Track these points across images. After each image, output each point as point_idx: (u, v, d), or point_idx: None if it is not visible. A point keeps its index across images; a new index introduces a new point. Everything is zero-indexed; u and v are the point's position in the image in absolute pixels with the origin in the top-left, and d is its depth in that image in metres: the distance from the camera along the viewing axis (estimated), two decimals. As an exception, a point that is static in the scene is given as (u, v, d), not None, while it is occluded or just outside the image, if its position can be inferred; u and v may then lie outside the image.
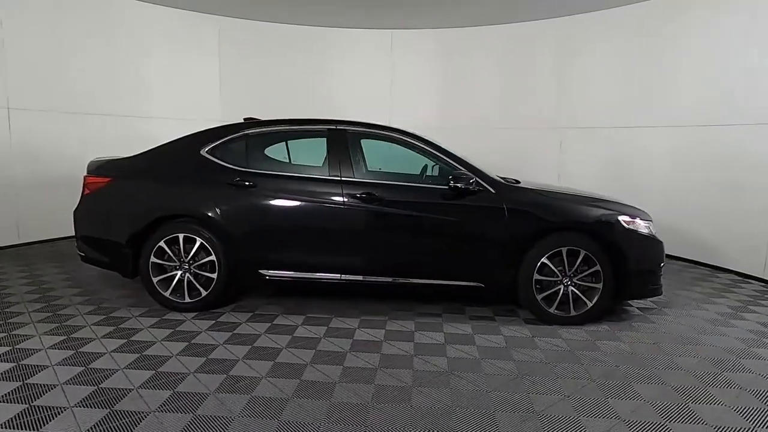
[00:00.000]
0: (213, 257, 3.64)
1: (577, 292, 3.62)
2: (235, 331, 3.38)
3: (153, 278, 3.67)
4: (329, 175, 3.71)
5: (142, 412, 2.34)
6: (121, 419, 2.28)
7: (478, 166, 3.75)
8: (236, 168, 3.74)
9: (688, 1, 5.57)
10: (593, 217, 3.62)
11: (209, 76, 7.22)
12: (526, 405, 2.50)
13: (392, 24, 7.38)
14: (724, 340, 3.43)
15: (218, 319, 3.60)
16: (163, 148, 3.87)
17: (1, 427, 2.20)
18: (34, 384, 2.58)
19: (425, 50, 7.59)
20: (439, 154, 3.78)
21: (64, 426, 2.21)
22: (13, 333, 3.24)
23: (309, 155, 4.04)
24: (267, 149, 3.96)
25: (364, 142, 3.96)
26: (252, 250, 3.68)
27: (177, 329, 3.39)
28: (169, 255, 3.67)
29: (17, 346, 3.04)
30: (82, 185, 3.84)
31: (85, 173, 3.88)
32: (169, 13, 6.73)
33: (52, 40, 5.77)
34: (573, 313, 3.63)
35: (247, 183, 3.66)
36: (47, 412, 2.32)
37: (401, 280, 3.72)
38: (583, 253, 3.56)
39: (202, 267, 3.68)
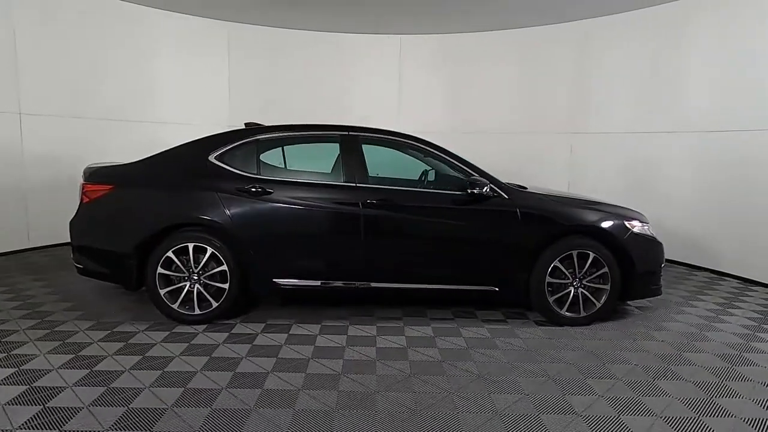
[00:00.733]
0: (225, 267, 3.52)
1: (586, 293, 3.74)
2: (254, 343, 3.28)
3: (160, 290, 3.51)
4: (344, 182, 3.67)
5: (185, 433, 2.24)
6: (164, 441, 2.18)
7: (489, 173, 3.81)
8: (248, 174, 3.63)
9: (705, 3, 5.45)
10: (601, 220, 3.75)
11: (218, 81, 7.26)
12: (568, 406, 2.56)
13: (401, 29, 7.42)
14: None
15: (231, 331, 3.48)
16: (167, 155, 3.72)
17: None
18: (57, 408, 2.41)
19: (434, 55, 7.60)
20: (451, 160, 3.82)
21: (105, 451, 2.09)
22: (13, 353, 3.03)
23: (319, 161, 3.99)
24: (279, 155, 3.88)
25: (369, 149, 3.94)
26: (267, 258, 3.59)
27: (192, 343, 3.26)
28: (178, 265, 3.52)
29: (23, 367, 2.83)
30: (79, 193, 3.63)
31: (82, 180, 3.67)
32: (180, 19, 6.76)
33: (64, 47, 5.82)
34: (583, 314, 3.75)
35: (261, 190, 3.56)
36: (82, 437, 2.18)
37: (419, 286, 3.73)
38: (592, 255, 3.69)
39: (212, 277, 3.56)
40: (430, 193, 3.82)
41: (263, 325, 3.63)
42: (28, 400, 2.48)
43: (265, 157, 3.78)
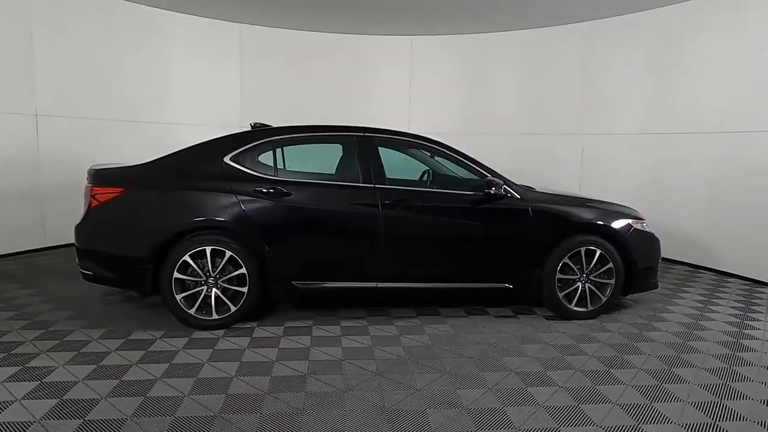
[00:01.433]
0: (243, 270, 3.46)
1: (593, 288, 3.92)
2: (280, 346, 3.25)
3: (177, 295, 3.41)
4: (362, 182, 3.68)
5: (244, 439, 2.21)
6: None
7: (500, 173, 3.93)
8: (266, 176, 3.58)
9: (716, 3, 5.41)
10: (607, 218, 3.94)
11: (230, 83, 7.29)
12: (613, 395, 2.69)
13: (411, 30, 7.43)
14: None
15: (253, 335, 3.43)
16: (179, 156, 3.61)
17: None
18: (97, 420, 2.32)
19: (444, 56, 7.63)
20: (464, 160, 3.90)
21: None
22: (29, 365, 2.87)
23: (333, 162, 3.98)
24: (294, 156, 3.84)
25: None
26: (286, 260, 3.56)
27: (216, 348, 3.19)
28: (194, 270, 3.43)
29: (45, 380, 2.70)
30: (87, 196, 3.46)
31: (88, 183, 3.51)
32: (192, 21, 6.82)
33: (79, 48, 5.87)
34: (590, 308, 3.93)
35: (280, 191, 3.52)
36: (137, 449, 2.11)
37: (436, 286, 3.79)
38: (598, 252, 3.87)
39: (229, 281, 3.48)
40: (447, 193, 3.89)
41: (282, 327, 3.60)
42: (64, 413, 2.37)
43: (280, 158, 3.73)
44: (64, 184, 5.63)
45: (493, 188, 3.71)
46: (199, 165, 3.58)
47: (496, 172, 3.88)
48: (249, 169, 3.59)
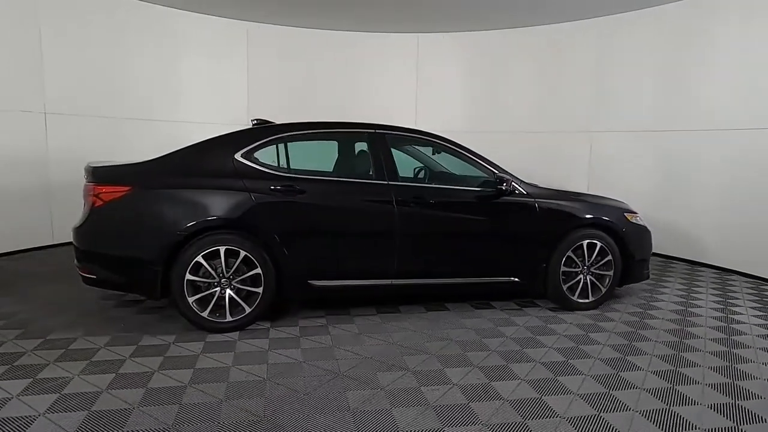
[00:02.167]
0: (258, 270, 3.36)
1: (594, 280, 4.09)
2: (302, 347, 3.18)
3: (189, 298, 3.27)
4: (376, 179, 3.67)
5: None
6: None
7: (507, 170, 4.01)
8: (279, 173, 3.50)
9: None
10: (607, 213, 4.11)
11: (237, 81, 7.30)
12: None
13: (418, 28, 7.41)
14: None
15: (270, 336, 3.35)
16: (188, 153, 3.46)
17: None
18: (139, 431, 2.20)
19: (451, 54, 7.61)
20: (473, 157, 3.96)
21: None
22: (39, 377, 2.68)
23: (342, 159, 3.93)
24: (307, 153, 3.76)
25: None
26: (302, 259, 3.48)
27: (237, 351, 3.09)
28: (207, 271, 3.30)
29: (64, 391, 2.53)
30: (89, 196, 3.26)
31: (89, 181, 3.30)
32: (199, 19, 6.83)
33: (88, 47, 5.90)
34: (592, 299, 4.09)
35: (295, 189, 3.45)
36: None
37: (450, 281, 3.83)
38: (599, 245, 4.03)
39: (243, 281, 3.38)
40: (458, 189, 3.93)
41: (297, 327, 3.53)
42: (99, 425, 2.23)
43: (295, 155, 3.66)
44: (72, 182, 5.29)
45: (504, 184, 3.79)
46: (210, 162, 3.45)
47: (502, 169, 3.96)
48: (261, 166, 3.49)
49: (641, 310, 4.16)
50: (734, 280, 5.18)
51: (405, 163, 4.26)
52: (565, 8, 6.30)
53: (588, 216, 4.02)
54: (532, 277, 3.99)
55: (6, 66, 5.24)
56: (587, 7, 6.20)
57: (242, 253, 3.33)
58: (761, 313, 4.11)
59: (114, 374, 2.74)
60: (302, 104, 7.34)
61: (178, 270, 3.23)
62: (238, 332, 3.39)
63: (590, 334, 3.58)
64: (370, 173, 3.71)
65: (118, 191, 3.21)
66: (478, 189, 3.88)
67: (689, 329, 3.71)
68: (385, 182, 3.66)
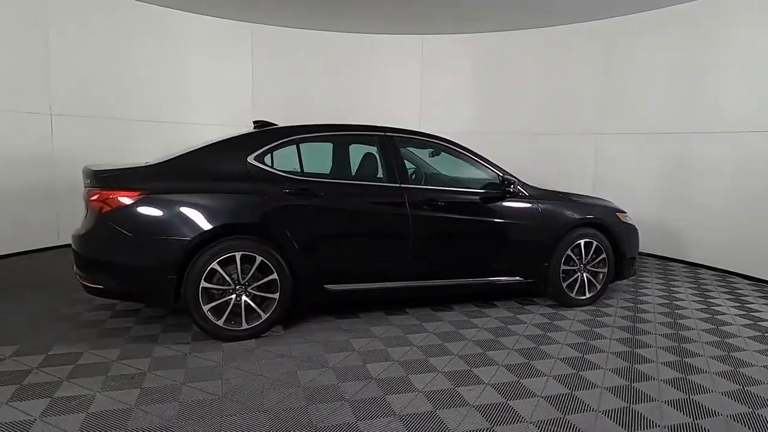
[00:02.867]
0: (275, 275, 3.29)
1: (590, 277, 4.27)
2: (327, 352, 3.15)
3: (204, 306, 3.15)
4: (389, 182, 3.67)
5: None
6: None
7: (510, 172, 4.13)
8: (294, 176, 3.44)
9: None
10: (602, 213, 4.31)
11: (242, 82, 7.30)
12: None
13: (423, 29, 7.39)
14: None
15: (289, 342, 3.28)
16: (199, 155, 3.34)
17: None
18: (188, 447, 2.11)
19: (456, 55, 7.60)
20: (478, 160, 4.04)
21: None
22: (57, 395, 2.50)
23: (353, 162, 3.90)
24: (319, 155, 3.71)
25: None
26: (318, 264, 3.44)
27: (259, 360, 3.00)
28: (222, 278, 3.19)
29: (90, 410, 2.37)
30: (95, 202, 3.06)
31: (94, 186, 3.11)
32: (204, 21, 6.86)
33: (94, 48, 5.94)
34: (588, 295, 4.27)
35: (310, 192, 3.40)
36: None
37: (461, 281, 3.89)
38: (595, 243, 4.22)
39: (259, 287, 3.29)
40: (467, 191, 3.98)
41: (312, 332, 3.48)
42: (143, 444, 2.12)
43: (307, 157, 3.59)
44: (78, 184, 5.04)
45: (511, 186, 3.89)
46: (222, 165, 3.34)
47: (506, 171, 4.07)
48: (275, 169, 3.42)
49: (632, 304, 4.39)
50: (718, 279, 5.56)
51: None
52: (571, 10, 6.27)
53: (587, 216, 4.20)
54: (535, 276, 4.11)
55: (13, 67, 5.27)
56: (593, 8, 6.16)
57: (258, 259, 3.24)
58: (739, 305, 4.44)
59: (139, 389, 2.60)
60: (307, 105, 7.33)
61: (192, 277, 3.11)
62: (252, 340, 3.30)
63: (594, 329, 3.74)
64: (383, 176, 3.71)
65: (128, 196, 3.05)
66: (486, 191, 3.97)
67: (681, 321, 3.95)
68: (398, 184, 3.68)
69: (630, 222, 4.50)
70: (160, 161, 3.30)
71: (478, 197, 3.94)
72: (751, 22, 5.25)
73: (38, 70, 5.47)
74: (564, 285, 4.17)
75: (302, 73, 7.52)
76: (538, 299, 4.43)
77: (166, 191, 3.13)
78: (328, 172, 3.83)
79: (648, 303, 4.44)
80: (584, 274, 4.25)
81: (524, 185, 4.07)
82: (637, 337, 3.60)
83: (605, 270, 4.30)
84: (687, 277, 5.44)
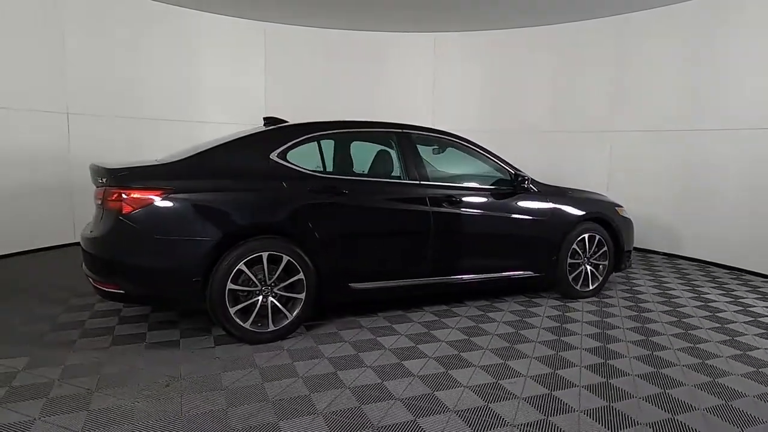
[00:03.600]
0: (301, 275, 3.22)
1: (594, 270, 4.43)
2: (359, 351, 3.11)
3: (231, 309, 3.05)
4: (409, 179, 3.67)
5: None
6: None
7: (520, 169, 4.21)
8: (319, 174, 3.37)
9: None
10: (604, 208, 4.48)
11: (255, 81, 7.34)
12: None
13: (435, 27, 7.40)
14: None
15: (318, 343, 3.22)
16: (221, 152, 3.21)
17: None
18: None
19: (468, 53, 7.58)
20: (491, 157, 4.10)
21: None
22: (92, 408, 2.35)
23: (367, 158, 3.87)
24: (339, 152, 3.65)
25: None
26: (344, 262, 3.40)
27: (298, 363, 2.94)
28: (248, 278, 3.10)
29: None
30: (114, 201, 2.89)
31: (112, 185, 2.93)
32: (218, 20, 6.91)
33: (110, 48, 6.02)
34: (591, 287, 4.43)
35: (336, 189, 3.34)
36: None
37: (479, 277, 3.94)
38: (597, 237, 4.38)
39: (285, 287, 3.22)
40: (486, 188, 4.03)
41: (336, 332, 3.43)
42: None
43: (329, 154, 3.54)
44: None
45: (525, 183, 3.98)
46: (245, 162, 3.24)
47: (517, 169, 4.15)
48: (298, 166, 3.34)
49: (630, 294, 4.59)
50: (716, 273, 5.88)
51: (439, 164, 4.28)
52: (583, 6, 6.22)
53: (591, 211, 4.35)
54: (545, 270, 4.22)
55: (30, 67, 5.35)
56: (606, 4, 6.11)
57: (285, 259, 3.16)
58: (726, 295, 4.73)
59: (180, 397, 2.48)
60: (319, 104, 7.35)
61: (218, 279, 3.00)
62: (277, 342, 3.21)
63: (605, 319, 3.88)
64: (403, 173, 3.70)
65: (151, 195, 2.90)
66: (501, 188, 4.04)
67: (680, 309, 4.17)
68: (418, 182, 3.68)
69: (627, 216, 4.69)
70: (180, 158, 3.16)
71: (494, 194, 4.01)
72: (765, 18, 5.21)
73: (54, 69, 5.54)
74: (570, 278, 4.30)
75: (315, 72, 7.56)
76: (543, 293, 4.55)
77: (191, 190, 3.00)
78: (351, 169, 3.78)
79: (644, 293, 4.65)
80: (588, 267, 4.40)
81: (534, 182, 4.17)
82: (646, 325, 3.76)
83: (606, 262, 4.47)
84: (698, 272, 5.72)
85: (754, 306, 4.32)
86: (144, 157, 3.62)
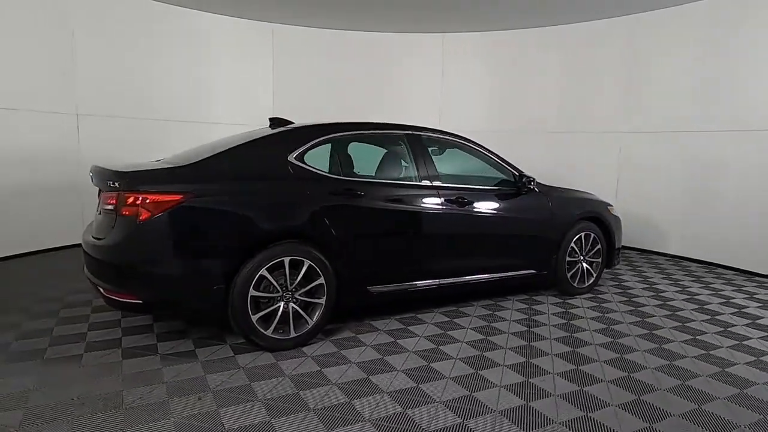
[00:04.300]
0: (322, 279, 3.16)
1: (589, 267, 4.59)
2: (387, 356, 3.08)
3: (253, 316, 2.95)
4: (422, 181, 3.67)
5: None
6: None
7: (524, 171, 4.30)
8: (336, 176, 3.32)
9: None
10: (599, 207, 4.64)
11: (263, 82, 7.32)
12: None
13: (443, 28, 7.37)
14: None
15: (341, 349, 3.17)
16: (238, 154, 3.10)
17: None
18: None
19: (476, 53, 7.54)
20: (496, 159, 4.16)
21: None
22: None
23: (373, 160, 3.84)
24: (353, 154, 3.59)
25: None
26: (363, 266, 3.36)
27: (328, 369, 2.88)
28: (269, 285, 3.01)
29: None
30: (129, 206, 2.72)
31: (126, 188, 2.76)
32: (226, 21, 6.89)
33: (119, 49, 6.01)
34: (587, 284, 4.59)
35: (354, 192, 3.30)
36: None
37: (489, 277, 3.99)
38: (593, 236, 4.54)
39: (305, 293, 3.14)
40: (493, 189, 4.09)
41: (355, 336, 3.38)
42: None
43: (344, 156, 3.49)
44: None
45: (531, 183, 4.07)
46: (264, 164, 3.14)
47: (520, 170, 4.24)
48: (316, 169, 3.27)
49: (621, 290, 4.79)
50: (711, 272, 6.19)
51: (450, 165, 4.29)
52: (593, 6, 6.15)
53: (587, 210, 4.51)
54: (546, 269, 4.33)
55: (39, 68, 5.34)
56: (616, 4, 6.05)
57: (306, 263, 3.09)
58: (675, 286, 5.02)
59: (217, 409, 2.38)
60: (327, 104, 7.36)
61: (240, 286, 2.89)
62: (297, 348, 3.14)
63: (606, 315, 4.03)
64: (416, 174, 3.70)
65: (171, 200, 2.75)
66: (507, 188, 4.12)
67: (671, 303, 4.39)
68: (431, 183, 3.69)
69: (617, 214, 4.89)
70: (196, 160, 3.02)
71: (503, 194, 4.07)
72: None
73: (64, 70, 5.55)
74: (568, 275, 4.44)
75: (323, 73, 7.51)
76: (542, 291, 4.67)
77: (211, 193, 2.88)
78: (366, 170, 3.73)
79: (634, 288, 4.86)
80: (584, 265, 4.56)
81: (536, 182, 4.27)
82: (646, 320, 3.94)
83: (599, 260, 4.64)
84: (704, 271, 6.01)
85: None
86: (153, 158, 3.44)
